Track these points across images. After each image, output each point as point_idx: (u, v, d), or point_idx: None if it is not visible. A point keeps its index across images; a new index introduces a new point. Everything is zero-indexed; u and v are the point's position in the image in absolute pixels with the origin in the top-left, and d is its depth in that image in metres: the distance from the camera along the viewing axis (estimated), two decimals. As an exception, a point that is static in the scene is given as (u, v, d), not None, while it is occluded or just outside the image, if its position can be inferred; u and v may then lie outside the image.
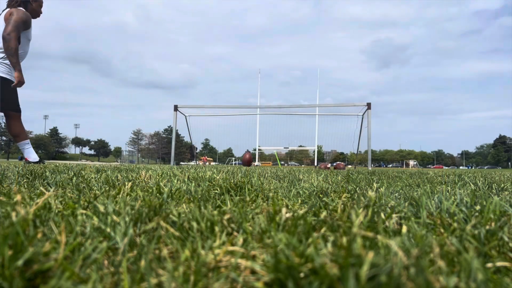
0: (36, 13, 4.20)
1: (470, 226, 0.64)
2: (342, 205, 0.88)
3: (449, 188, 1.58)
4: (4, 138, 79.11)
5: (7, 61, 3.87)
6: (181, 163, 57.35)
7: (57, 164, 3.84)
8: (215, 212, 0.72)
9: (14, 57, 3.78)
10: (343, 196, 1.16)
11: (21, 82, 3.88)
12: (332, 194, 1.25)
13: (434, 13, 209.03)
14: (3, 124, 79.40)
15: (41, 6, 4.26)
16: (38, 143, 74.58)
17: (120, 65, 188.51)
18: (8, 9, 3.90)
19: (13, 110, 4.06)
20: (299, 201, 1.11)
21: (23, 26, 3.85)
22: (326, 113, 12.00)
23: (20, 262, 0.40)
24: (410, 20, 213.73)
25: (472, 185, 1.83)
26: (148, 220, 0.72)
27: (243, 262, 0.46)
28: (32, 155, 4.22)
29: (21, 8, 3.93)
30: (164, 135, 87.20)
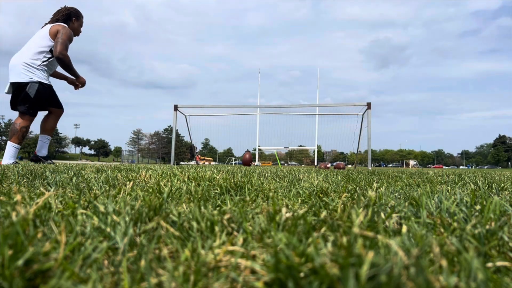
0: (76, 32, 4.38)
1: (470, 226, 0.64)
2: (342, 205, 0.88)
3: (449, 187, 1.58)
4: (4, 138, 79.02)
5: (42, 68, 4.06)
6: (181, 162, 57.37)
7: (57, 164, 3.84)
8: (215, 212, 0.72)
9: (72, 70, 4.15)
10: (343, 195, 1.16)
11: (84, 83, 4.46)
12: (332, 194, 1.25)
13: (432, 13, 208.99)
14: (3, 124, 79.39)
15: (81, 25, 4.42)
16: (38, 143, 74.43)
17: (120, 65, 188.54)
18: (52, 25, 4.08)
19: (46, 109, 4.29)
20: (299, 200, 1.11)
21: (70, 42, 4.09)
22: (326, 113, 12.00)
23: (20, 262, 0.40)
24: (409, 20, 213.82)
25: (472, 184, 1.84)
26: (148, 220, 0.72)
27: (243, 262, 0.46)
28: (44, 150, 4.34)
29: (64, 25, 4.12)
30: (164, 135, 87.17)
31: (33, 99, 3.96)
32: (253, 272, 0.45)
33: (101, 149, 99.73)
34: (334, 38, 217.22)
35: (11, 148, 3.97)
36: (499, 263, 0.51)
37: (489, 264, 0.50)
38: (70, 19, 4.29)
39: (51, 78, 4.34)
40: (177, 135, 65.66)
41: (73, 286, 0.39)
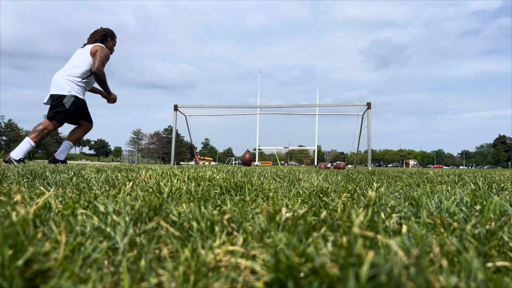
0: (111, 50, 4.89)
1: (470, 226, 0.64)
2: (342, 205, 0.88)
3: (449, 187, 1.58)
4: (4, 138, 79.04)
5: (82, 84, 4.49)
6: (181, 162, 57.36)
7: (57, 164, 3.85)
8: (215, 212, 0.72)
9: (105, 86, 4.57)
10: (343, 195, 1.16)
11: (115, 99, 4.94)
12: (332, 194, 1.25)
13: (432, 13, 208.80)
14: (3, 124, 79.40)
15: (115, 44, 4.94)
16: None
17: (120, 65, 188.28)
18: (92, 45, 4.53)
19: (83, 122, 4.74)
20: (299, 200, 1.11)
21: (107, 61, 4.54)
22: (326, 113, 12.00)
23: (20, 262, 0.40)
24: (409, 20, 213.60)
25: (472, 184, 1.83)
26: (148, 219, 0.72)
27: (243, 262, 0.46)
28: (63, 155, 4.64)
29: (103, 45, 4.59)
30: (164, 135, 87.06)
31: (67, 110, 4.36)
32: (253, 272, 0.45)
33: (101, 149, 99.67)
34: (334, 38, 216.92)
35: (26, 143, 4.20)
36: (499, 263, 0.51)
37: (489, 264, 0.50)
38: (106, 39, 4.76)
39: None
40: (177, 135, 65.58)
41: (73, 286, 0.39)
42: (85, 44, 4.67)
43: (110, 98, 4.91)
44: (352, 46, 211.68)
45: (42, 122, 4.33)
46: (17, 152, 4.13)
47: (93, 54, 4.43)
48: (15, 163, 3.69)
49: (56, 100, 4.34)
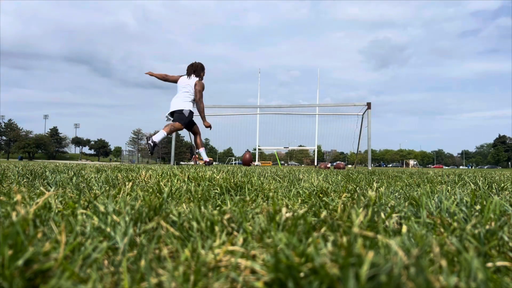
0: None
1: (470, 226, 0.64)
2: (342, 205, 0.88)
3: (449, 187, 1.58)
4: (4, 138, 79.02)
5: (192, 103, 6.33)
6: (181, 162, 57.33)
7: (57, 164, 3.85)
8: (215, 212, 0.72)
9: (203, 113, 6.33)
10: (343, 195, 1.16)
11: (208, 126, 6.42)
12: (332, 194, 1.25)
13: (432, 13, 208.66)
14: (3, 124, 79.41)
15: (205, 74, 6.50)
16: (38, 143, 74.46)
17: (120, 65, 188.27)
18: (195, 79, 6.29)
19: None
20: (299, 200, 1.11)
21: (203, 90, 6.30)
22: (326, 113, 12.00)
23: (20, 262, 0.40)
24: (408, 20, 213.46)
25: (472, 184, 1.83)
26: (148, 219, 0.72)
27: (243, 262, 0.46)
28: (205, 157, 6.49)
29: (202, 81, 6.33)
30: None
31: (186, 117, 6.25)
32: (253, 272, 0.45)
33: (101, 149, 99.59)
34: (334, 38, 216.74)
35: (162, 134, 5.96)
36: (499, 263, 0.51)
37: (489, 264, 0.50)
38: (203, 70, 6.43)
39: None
40: (177, 135, 65.50)
41: (73, 286, 0.39)
42: (188, 74, 6.37)
43: (204, 125, 6.39)
44: (352, 46, 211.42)
45: (173, 123, 6.17)
46: (156, 138, 5.86)
47: (195, 86, 6.21)
48: (152, 144, 5.77)
49: (178, 112, 6.21)
